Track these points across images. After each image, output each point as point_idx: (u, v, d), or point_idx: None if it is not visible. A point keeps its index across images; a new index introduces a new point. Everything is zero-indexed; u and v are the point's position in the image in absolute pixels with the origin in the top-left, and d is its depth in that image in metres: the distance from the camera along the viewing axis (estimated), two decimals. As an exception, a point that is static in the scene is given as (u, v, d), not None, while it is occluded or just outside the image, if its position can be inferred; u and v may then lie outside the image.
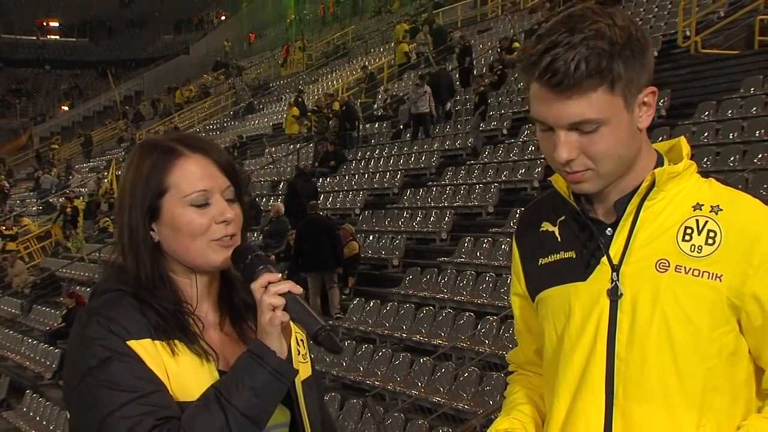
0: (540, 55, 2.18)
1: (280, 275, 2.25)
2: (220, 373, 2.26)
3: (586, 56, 2.15)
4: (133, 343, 2.17)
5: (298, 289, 2.23)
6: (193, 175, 2.29)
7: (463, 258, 16.40)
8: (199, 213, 2.27)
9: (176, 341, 2.23)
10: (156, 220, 2.30)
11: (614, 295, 2.30)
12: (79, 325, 2.22)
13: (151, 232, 2.31)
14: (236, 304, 2.44)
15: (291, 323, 2.24)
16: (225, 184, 2.32)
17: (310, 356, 2.56)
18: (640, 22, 2.20)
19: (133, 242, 2.30)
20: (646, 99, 2.25)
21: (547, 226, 2.50)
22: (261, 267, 2.25)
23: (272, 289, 2.19)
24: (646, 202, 2.31)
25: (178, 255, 2.31)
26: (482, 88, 23.24)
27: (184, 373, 2.21)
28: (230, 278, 2.44)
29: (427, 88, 23.59)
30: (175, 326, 2.25)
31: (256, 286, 2.21)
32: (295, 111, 33.23)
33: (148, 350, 2.18)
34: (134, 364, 2.15)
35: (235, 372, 2.19)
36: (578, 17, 2.20)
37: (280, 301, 2.19)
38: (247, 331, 2.42)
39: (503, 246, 15.54)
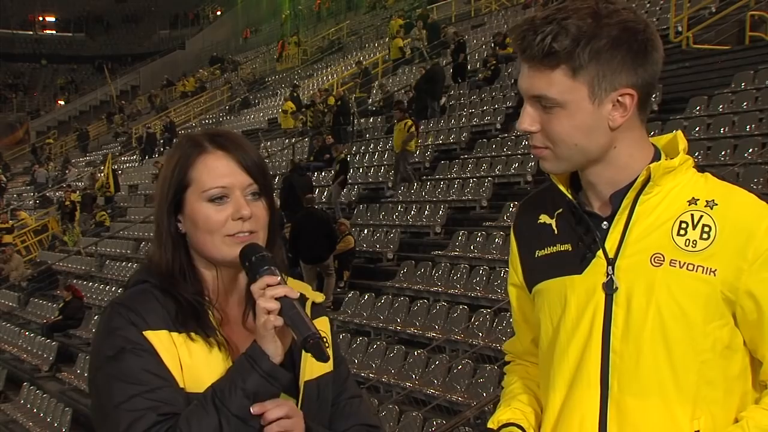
0: (523, 24, 2.26)
1: (279, 278, 2.25)
2: None
3: (554, 34, 2.20)
4: (149, 334, 2.22)
5: (294, 294, 2.23)
6: (214, 171, 2.33)
7: (456, 251, 16.42)
8: (216, 209, 2.31)
9: (193, 333, 2.27)
10: (181, 213, 2.36)
11: (609, 288, 2.31)
12: (103, 315, 2.30)
13: (179, 224, 2.37)
14: None
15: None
16: (246, 181, 2.34)
17: (337, 354, 2.54)
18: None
19: (159, 232, 2.37)
20: (620, 98, 2.25)
21: (544, 219, 2.51)
22: (264, 268, 2.26)
23: (269, 293, 2.20)
24: (641, 197, 2.31)
25: (198, 248, 2.36)
26: (342, 155, 22.98)
27: (197, 365, 2.25)
28: None
29: None
30: (192, 317, 2.28)
31: (255, 288, 2.23)
32: (291, 106, 33.23)
33: (163, 341, 2.23)
34: (146, 357, 2.21)
35: (231, 373, 2.21)
36: (582, 1, 2.25)
37: (275, 306, 2.19)
38: None
39: (497, 240, 15.58)
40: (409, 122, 21.44)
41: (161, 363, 2.22)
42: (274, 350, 2.21)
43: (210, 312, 2.34)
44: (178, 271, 2.35)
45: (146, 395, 2.17)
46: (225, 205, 2.32)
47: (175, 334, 2.25)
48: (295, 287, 2.37)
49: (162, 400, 2.18)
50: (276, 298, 2.20)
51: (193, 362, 2.25)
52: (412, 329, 14.53)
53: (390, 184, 22.45)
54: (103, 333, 2.27)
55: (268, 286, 2.22)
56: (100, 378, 2.24)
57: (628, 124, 2.29)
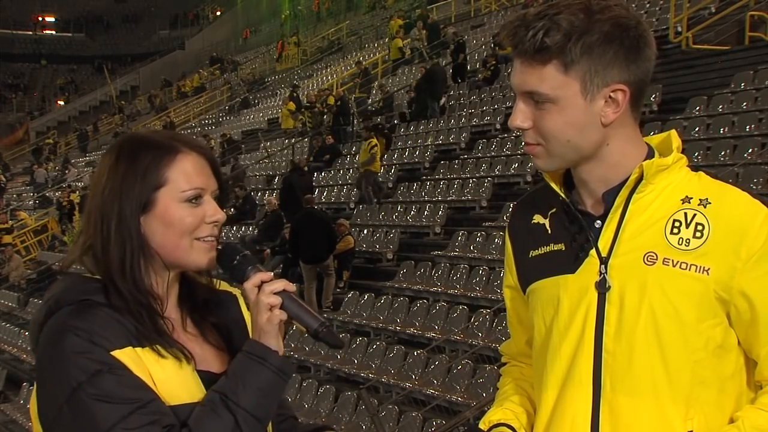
0: (515, 20, 2.26)
1: (272, 274, 2.25)
2: (199, 373, 2.26)
3: (546, 29, 2.19)
4: (117, 353, 2.11)
5: (291, 287, 2.24)
6: (191, 172, 2.27)
7: (456, 252, 16.44)
8: (190, 210, 2.26)
9: (157, 346, 2.19)
10: (145, 213, 2.25)
11: (602, 287, 2.31)
12: (52, 340, 2.13)
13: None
14: (197, 302, 2.42)
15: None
16: (215, 185, 2.33)
17: None
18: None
19: (122, 231, 2.23)
20: (612, 94, 2.24)
21: (538, 219, 2.50)
22: (250, 267, 2.26)
23: (267, 289, 2.20)
24: (634, 195, 2.30)
25: (165, 250, 2.27)
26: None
27: (169, 377, 2.18)
28: (189, 277, 2.41)
29: None
30: (152, 330, 2.21)
31: (250, 286, 2.22)
32: (292, 106, 33.21)
33: (133, 359, 2.13)
34: (125, 374, 2.10)
35: (238, 374, 2.19)
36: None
37: (277, 300, 2.19)
38: (207, 330, 2.40)
39: (496, 240, 15.59)
40: (373, 142, 21.43)
41: (139, 378, 2.13)
42: (277, 345, 2.22)
43: (163, 321, 2.28)
44: (140, 272, 2.26)
45: (141, 411, 2.08)
46: (197, 208, 2.28)
47: (139, 350, 2.17)
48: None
49: (159, 412, 2.11)
50: (275, 293, 2.21)
51: (164, 376, 2.18)
52: (411, 329, 14.54)
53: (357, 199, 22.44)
54: (63, 359, 2.11)
55: (264, 282, 2.22)
56: (74, 406, 2.08)
57: (620, 120, 2.28)
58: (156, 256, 2.28)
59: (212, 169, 2.35)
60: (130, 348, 2.15)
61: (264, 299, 2.20)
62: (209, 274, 2.44)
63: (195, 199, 2.27)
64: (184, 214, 2.26)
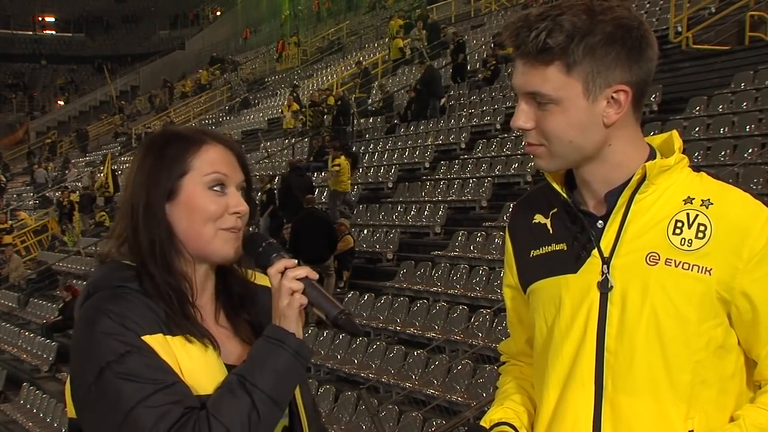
0: (517, 21, 2.27)
1: (295, 261, 2.30)
2: (226, 366, 2.28)
3: (548, 30, 2.20)
4: (147, 338, 2.17)
5: (314, 275, 2.28)
6: (215, 160, 2.33)
7: (456, 252, 16.43)
8: (214, 198, 2.31)
9: (187, 335, 2.24)
10: (171, 201, 2.31)
11: (604, 287, 2.31)
12: (87, 322, 2.20)
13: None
14: (232, 297, 2.46)
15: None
16: (241, 177, 2.38)
17: None
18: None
19: (149, 219, 2.29)
20: (614, 95, 2.25)
21: (539, 218, 2.50)
22: (275, 254, 2.31)
23: (290, 274, 2.25)
24: (637, 195, 2.31)
25: (189, 238, 2.31)
26: (269, 186, 22.90)
27: (196, 367, 2.22)
28: (227, 271, 2.45)
29: None
30: (183, 319, 2.26)
31: (273, 272, 2.26)
32: (296, 107, 33.16)
33: (162, 345, 2.19)
34: (153, 357, 2.15)
35: (257, 357, 2.22)
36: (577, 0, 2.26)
37: (299, 286, 2.24)
38: (240, 325, 2.44)
39: (497, 240, 15.58)
40: (338, 161, 21.35)
41: (167, 363, 2.18)
42: (297, 329, 2.25)
43: (194, 311, 2.33)
44: (169, 258, 2.31)
45: (165, 391, 2.13)
46: (222, 197, 2.33)
47: (170, 338, 2.22)
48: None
49: (183, 393, 2.16)
50: (297, 279, 2.25)
51: (192, 365, 2.22)
52: (411, 329, 14.52)
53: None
54: (94, 339, 2.17)
55: (287, 268, 2.26)
56: (102, 385, 2.13)
57: (622, 121, 2.29)
58: (183, 248, 2.34)
59: (239, 163, 2.41)
60: (160, 335, 2.21)
61: (286, 284, 2.24)
62: (240, 264, 2.47)
63: (219, 187, 2.33)
64: (208, 200, 2.31)
